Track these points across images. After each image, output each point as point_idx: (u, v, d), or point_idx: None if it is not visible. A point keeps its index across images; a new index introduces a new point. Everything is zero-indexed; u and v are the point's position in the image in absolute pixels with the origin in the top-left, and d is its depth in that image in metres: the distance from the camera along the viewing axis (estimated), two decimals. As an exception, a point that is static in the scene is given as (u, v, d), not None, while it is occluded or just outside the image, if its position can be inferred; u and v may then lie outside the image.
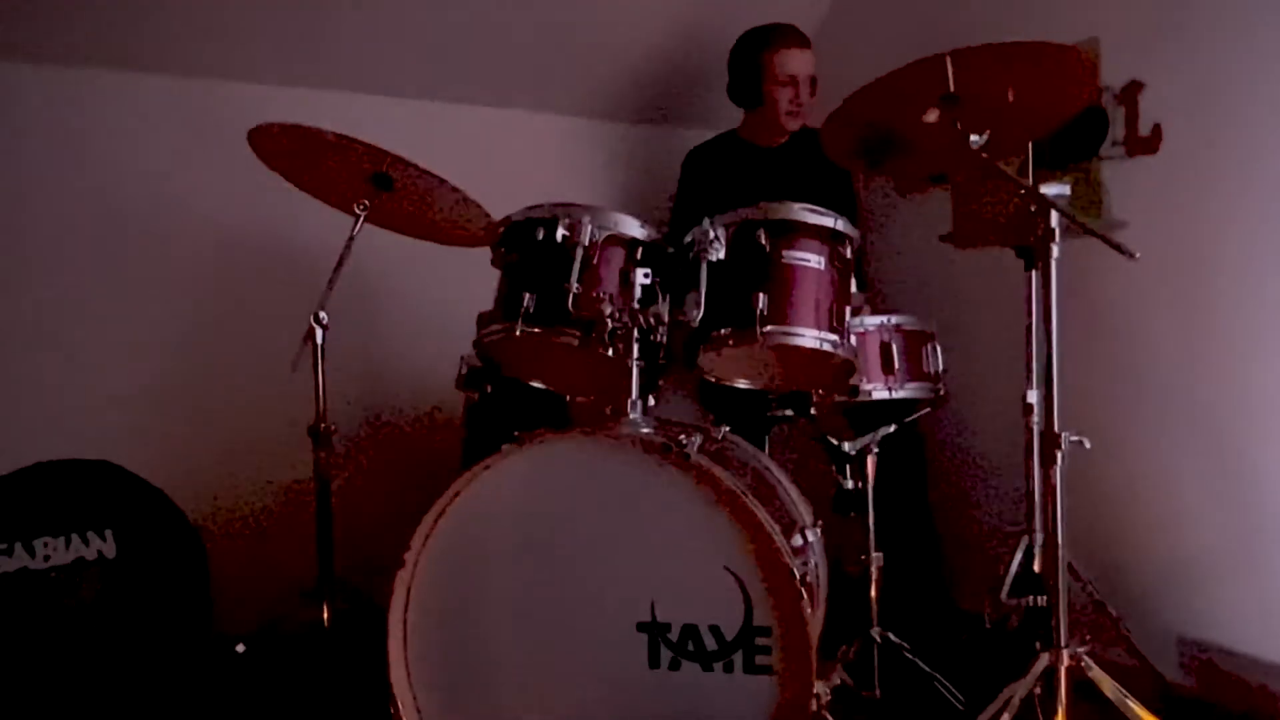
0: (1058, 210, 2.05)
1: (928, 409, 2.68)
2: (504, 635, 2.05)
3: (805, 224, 2.26)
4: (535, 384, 2.59)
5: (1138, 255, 1.84)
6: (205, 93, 3.15)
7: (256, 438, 3.21)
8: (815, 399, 2.61)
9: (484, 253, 2.47)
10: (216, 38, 3.05)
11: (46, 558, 2.50)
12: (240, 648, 2.55)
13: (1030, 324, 2.62)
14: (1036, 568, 2.65)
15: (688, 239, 2.31)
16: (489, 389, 2.84)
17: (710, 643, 1.96)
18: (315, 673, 2.47)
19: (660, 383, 2.47)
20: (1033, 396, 2.59)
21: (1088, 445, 2.05)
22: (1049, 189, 2.19)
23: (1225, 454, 2.65)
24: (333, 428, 2.49)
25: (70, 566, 2.53)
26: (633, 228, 2.31)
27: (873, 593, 2.61)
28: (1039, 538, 2.65)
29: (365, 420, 3.45)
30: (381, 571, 2.08)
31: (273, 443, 3.06)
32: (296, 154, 2.47)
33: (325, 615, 2.47)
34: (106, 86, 3.04)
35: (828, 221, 2.26)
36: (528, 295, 2.25)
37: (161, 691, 2.57)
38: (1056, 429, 2.08)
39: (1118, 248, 1.87)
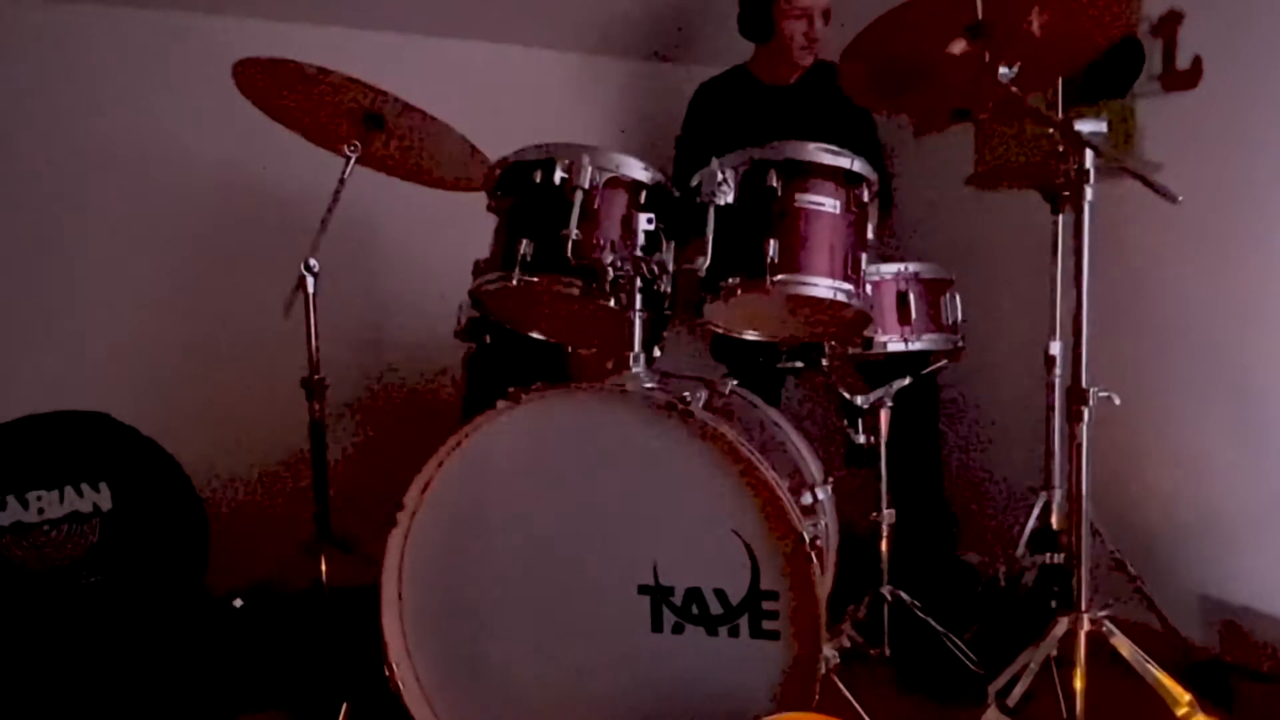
0: (1093, 149, 1.93)
1: (944, 362, 2.61)
2: (500, 596, 2.01)
3: (820, 165, 2.15)
4: (534, 335, 2.51)
5: (1180, 199, 1.74)
6: (189, 26, 3.05)
7: (253, 389, 3.17)
8: (827, 351, 2.54)
9: (483, 197, 2.37)
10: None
11: (41, 510, 2.48)
12: (238, 602, 2.49)
13: (1055, 272, 2.60)
14: (1054, 525, 2.62)
15: (694, 182, 2.21)
16: (488, 339, 2.79)
17: (715, 607, 1.91)
18: (312, 626, 2.45)
19: (665, 334, 2.39)
20: (1055, 349, 2.58)
21: (1117, 401, 1.97)
22: (1084, 125, 2.04)
23: (1254, 409, 2.58)
24: (326, 380, 2.43)
25: (65, 519, 2.51)
26: (636, 170, 2.20)
27: (884, 550, 2.56)
28: (1057, 495, 2.64)
29: (364, 373, 3.40)
30: (381, 528, 2.04)
31: (269, 394, 2.98)
32: (284, 91, 2.38)
33: (323, 568, 2.43)
34: (88, 20, 2.95)
35: (844, 162, 2.16)
36: (525, 242, 2.15)
37: (158, 645, 2.55)
38: (1084, 384, 2.00)
39: (1159, 190, 1.77)
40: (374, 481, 2.62)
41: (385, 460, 3.05)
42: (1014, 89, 1.99)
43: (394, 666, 2.02)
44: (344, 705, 2.20)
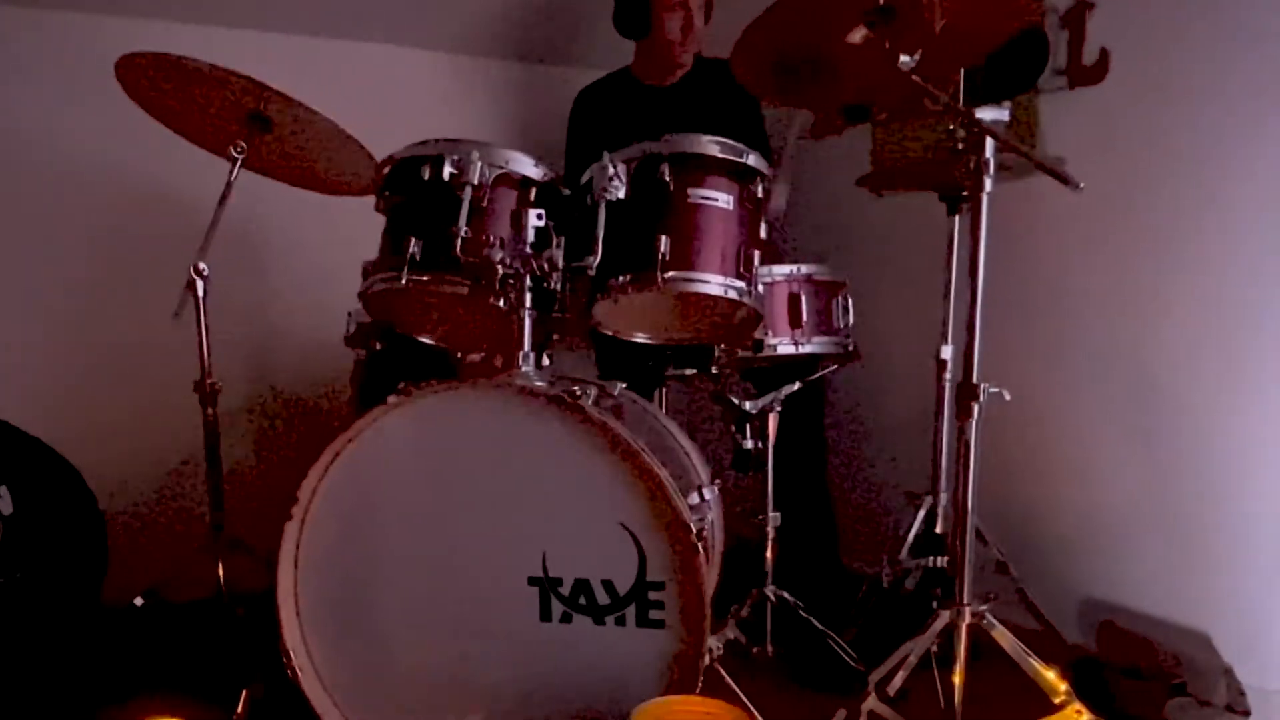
0: (994, 136, 1.93)
1: (834, 366, 2.64)
2: (393, 586, 2.04)
3: (714, 159, 2.15)
4: (424, 339, 2.50)
5: (1083, 186, 1.72)
6: (72, 25, 3.00)
7: (148, 395, 3.13)
8: (717, 354, 2.58)
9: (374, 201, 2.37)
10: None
11: None
12: (138, 600, 2.50)
13: (949, 277, 2.61)
14: (939, 529, 2.69)
15: (585, 178, 2.22)
16: (378, 346, 2.77)
17: (603, 597, 1.96)
18: (213, 624, 2.45)
19: (555, 338, 2.42)
20: (947, 353, 2.61)
21: (1007, 397, 1.99)
22: (986, 113, 1.99)
23: (1141, 413, 2.64)
24: (219, 384, 2.41)
25: None
26: (526, 166, 2.20)
27: (768, 552, 2.60)
28: (943, 499, 2.70)
29: (258, 378, 3.38)
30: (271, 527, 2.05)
31: (165, 400, 2.92)
32: (168, 89, 2.36)
33: (220, 569, 2.43)
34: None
35: (738, 157, 2.16)
36: (413, 241, 2.14)
37: (56, 645, 2.57)
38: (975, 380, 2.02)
39: (1060, 176, 1.75)
40: (271, 487, 2.61)
41: (282, 465, 3.05)
42: (915, 78, 1.95)
43: (291, 654, 2.03)
44: (244, 693, 2.20)
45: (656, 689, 1.91)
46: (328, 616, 2.05)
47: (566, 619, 1.96)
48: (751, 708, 2.01)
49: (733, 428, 2.58)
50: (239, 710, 2.18)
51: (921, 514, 2.71)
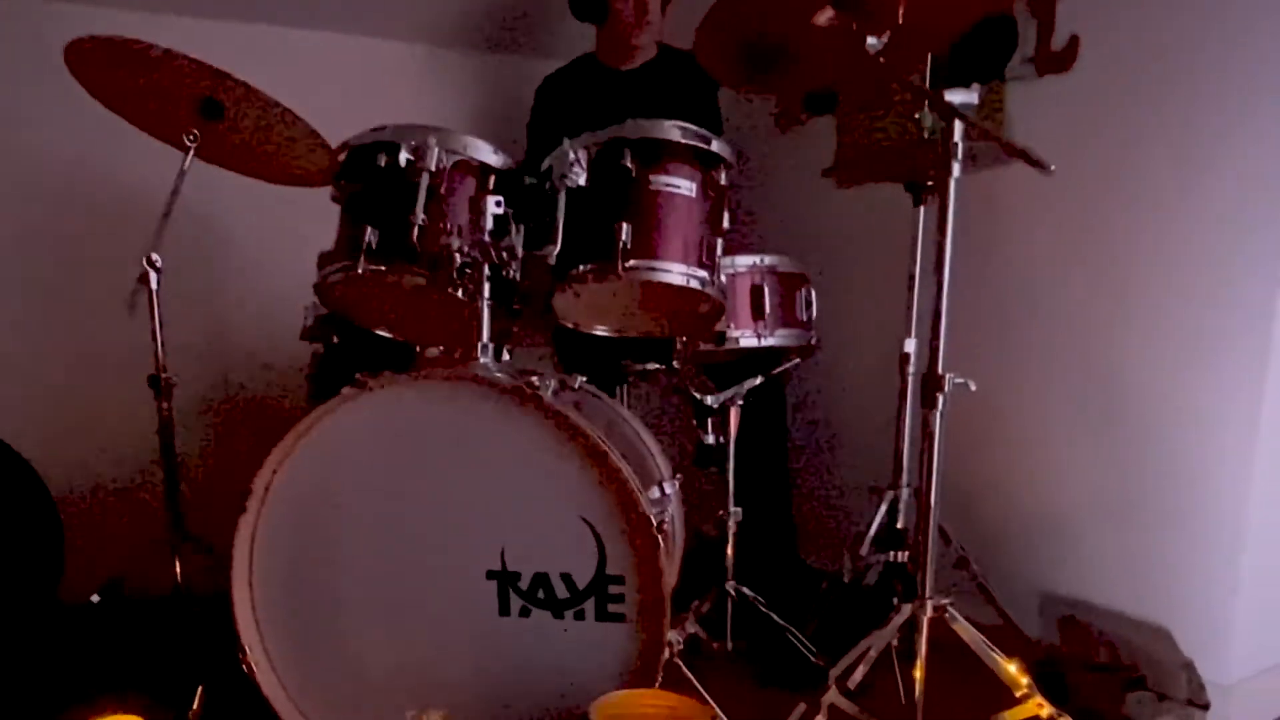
0: (963, 118, 1.90)
1: (797, 359, 2.63)
2: (350, 580, 2.01)
3: (677, 144, 2.12)
4: (381, 332, 2.47)
5: (1053, 168, 1.71)
6: (21, 10, 2.94)
7: (103, 389, 3.09)
8: (678, 348, 2.55)
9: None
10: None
11: None
12: (95, 598, 2.44)
13: (914, 270, 2.59)
14: (900, 523, 2.68)
15: (545, 164, 2.20)
16: (335, 340, 2.73)
17: (561, 591, 1.94)
18: (169, 621, 2.39)
19: (515, 330, 2.39)
20: (910, 346, 2.58)
21: (973, 387, 1.97)
22: (954, 95, 1.94)
23: (1100, 410, 2.65)
24: (173, 378, 2.36)
25: None
26: (485, 153, 2.18)
27: (729, 548, 2.59)
28: (905, 493, 2.68)
29: (213, 372, 3.33)
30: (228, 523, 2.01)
31: (119, 394, 2.91)
32: (119, 75, 2.30)
33: (177, 565, 2.38)
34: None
35: (702, 142, 2.14)
36: (369, 230, 2.12)
37: (11, 643, 2.53)
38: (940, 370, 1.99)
39: (1031, 159, 1.74)
40: (227, 481, 2.56)
41: (238, 459, 2.97)
42: (882, 60, 1.93)
43: (247, 649, 2.00)
44: (199, 689, 2.16)
45: (616, 683, 1.90)
46: (284, 612, 2.01)
47: (525, 613, 1.94)
48: (711, 701, 2.00)
49: (694, 422, 2.56)
50: (194, 707, 2.14)
51: (883, 508, 2.69)
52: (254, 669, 2.00)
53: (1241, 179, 2.32)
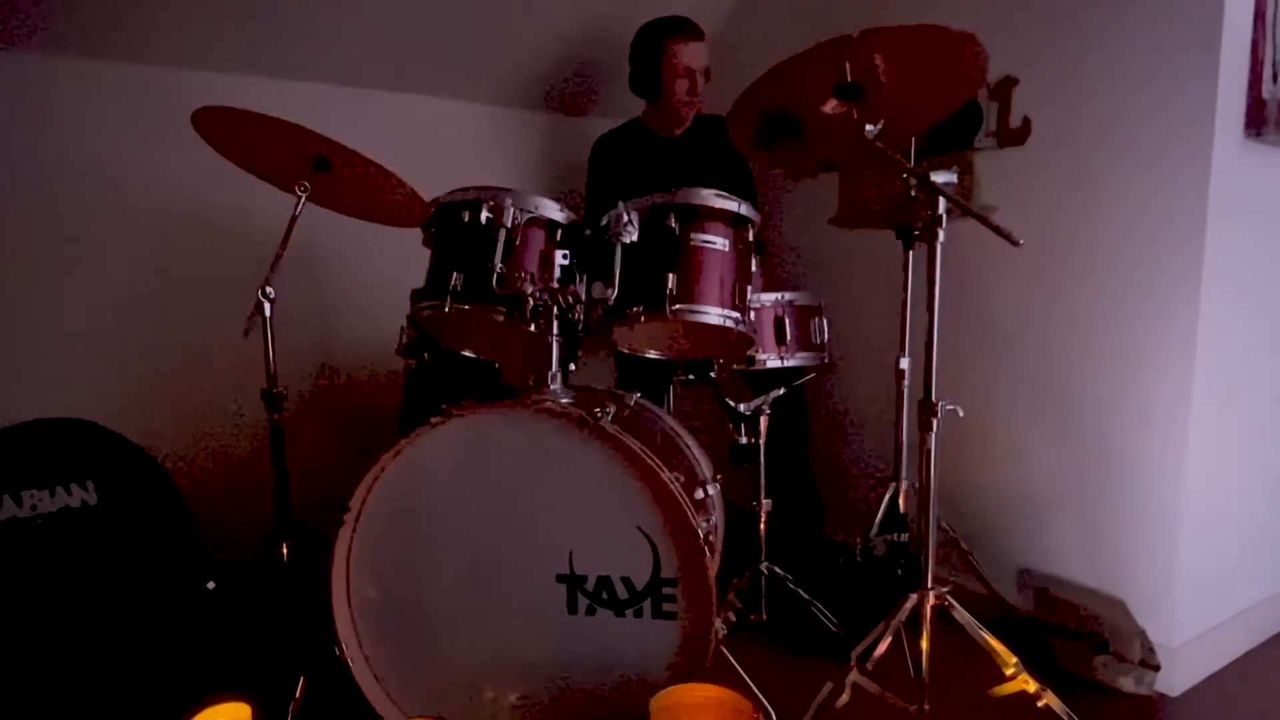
0: (946, 197, 1.89)
1: (814, 375, 2.59)
2: (436, 583, 1.95)
3: (713, 208, 2.10)
4: (466, 353, 2.42)
5: (1021, 242, 1.67)
6: (153, 78, 2.84)
7: (222, 397, 3.02)
8: (716, 367, 2.50)
9: (419, 231, 2.28)
10: (160, 25, 2.74)
11: (34, 507, 2.36)
12: (210, 585, 2.43)
13: (905, 299, 2.58)
14: (902, 509, 2.64)
15: (603, 222, 2.15)
16: (426, 356, 2.65)
17: (622, 592, 1.89)
18: (278, 606, 2.31)
19: (580, 352, 2.32)
20: (905, 363, 2.57)
21: (961, 414, 1.92)
22: (939, 176, 2.01)
23: (1065, 413, 2.60)
24: (284, 391, 2.27)
25: (56, 514, 2.39)
26: (552, 211, 2.14)
27: (762, 532, 2.55)
28: (905, 484, 2.65)
29: (317, 377, 3.25)
30: (331, 510, 1.96)
31: (237, 400, 2.95)
32: (239, 137, 2.23)
33: (285, 554, 2.28)
34: (60, 72, 2.73)
35: (733, 206, 2.11)
36: (455, 274, 2.08)
37: (145, 624, 2.44)
38: (933, 399, 1.95)
39: (1004, 234, 1.71)
40: (326, 477, 2.51)
41: (337, 451, 2.98)
42: (879, 144, 1.92)
43: (343, 646, 1.95)
44: (301, 680, 2.09)
45: (668, 670, 1.86)
46: (376, 612, 1.97)
47: (591, 611, 1.89)
48: (753, 685, 1.96)
49: (730, 426, 2.53)
50: (297, 695, 2.07)
51: (887, 497, 2.65)
52: (349, 663, 1.95)
53: (1159, 225, 2.35)
